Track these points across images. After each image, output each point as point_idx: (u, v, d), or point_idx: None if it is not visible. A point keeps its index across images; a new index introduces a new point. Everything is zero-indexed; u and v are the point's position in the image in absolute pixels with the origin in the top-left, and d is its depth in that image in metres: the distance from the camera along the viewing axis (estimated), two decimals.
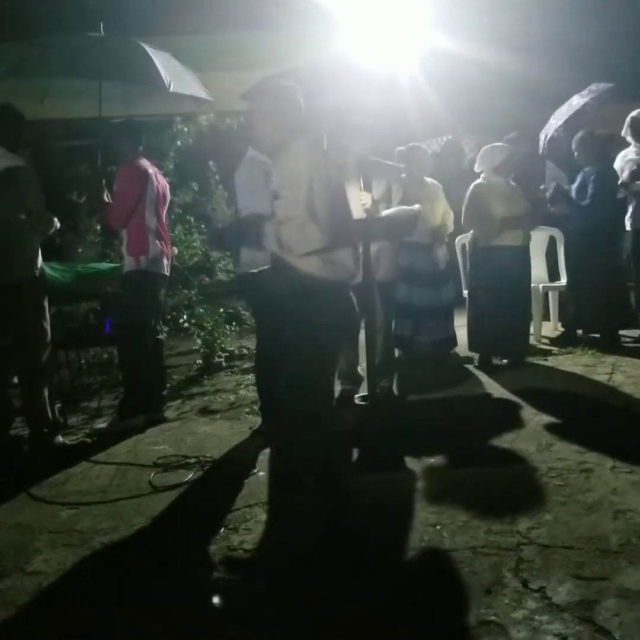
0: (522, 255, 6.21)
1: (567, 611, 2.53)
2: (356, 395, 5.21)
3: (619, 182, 6.52)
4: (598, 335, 6.79)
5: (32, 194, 4.50)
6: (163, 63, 4.89)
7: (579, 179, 6.70)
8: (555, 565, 2.85)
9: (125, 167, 4.98)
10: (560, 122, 7.61)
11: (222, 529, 3.39)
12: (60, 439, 4.76)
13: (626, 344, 6.71)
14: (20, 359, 4.64)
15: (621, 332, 6.84)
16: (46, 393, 4.64)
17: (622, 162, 6.66)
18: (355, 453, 4.36)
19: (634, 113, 6.58)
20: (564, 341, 6.87)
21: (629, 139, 6.66)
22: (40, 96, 5.39)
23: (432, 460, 4.09)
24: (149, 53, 4.87)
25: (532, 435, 4.38)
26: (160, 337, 5.26)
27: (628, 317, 6.80)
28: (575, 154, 6.71)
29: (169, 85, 4.81)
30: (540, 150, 7.80)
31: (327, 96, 6.10)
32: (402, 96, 8.48)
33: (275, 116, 3.37)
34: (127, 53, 4.96)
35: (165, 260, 5.09)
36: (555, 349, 6.64)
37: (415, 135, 7.80)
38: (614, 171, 6.68)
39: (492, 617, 2.54)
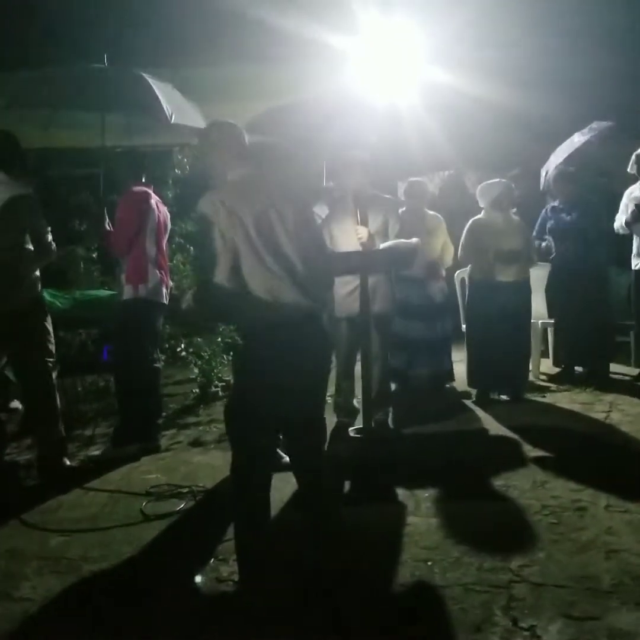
0: (520, 291, 6.22)
1: None
2: (351, 428, 5.19)
3: (624, 222, 6.55)
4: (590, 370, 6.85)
5: (35, 222, 4.54)
6: (165, 94, 4.95)
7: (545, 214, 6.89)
8: (546, 604, 2.83)
9: (127, 195, 5.02)
10: (560, 159, 7.67)
11: (212, 560, 3.36)
12: (67, 461, 4.76)
13: (624, 381, 6.71)
14: (28, 381, 4.64)
15: (619, 370, 6.86)
16: (54, 415, 4.65)
17: (627, 199, 6.70)
18: (348, 485, 4.34)
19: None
20: (560, 378, 6.87)
21: (635, 174, 6.71)
22: (44, 125, 5.44)
23: (426, 494, 4.07)
24: (151, 84, 4.93)
25: (527, 472, 4.36)
26: (157, 365, 5.25)
27: (610, 353, 6.91)
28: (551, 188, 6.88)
29: (171, 117, 4.86)
30: (542, 187, 7.86)
31: (328, 129, 6.18)
32: (404, 130, 8.57)
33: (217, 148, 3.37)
34: (129, 84, 5.02)
35: (164, 289, 5.11)
36: (553, 386, 6.64)
37: (417, 169, 7.87)
38: (598, 206, 6.80)
39: None
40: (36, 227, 4.54)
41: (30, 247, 4.51)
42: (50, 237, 4.62)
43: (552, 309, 7.08)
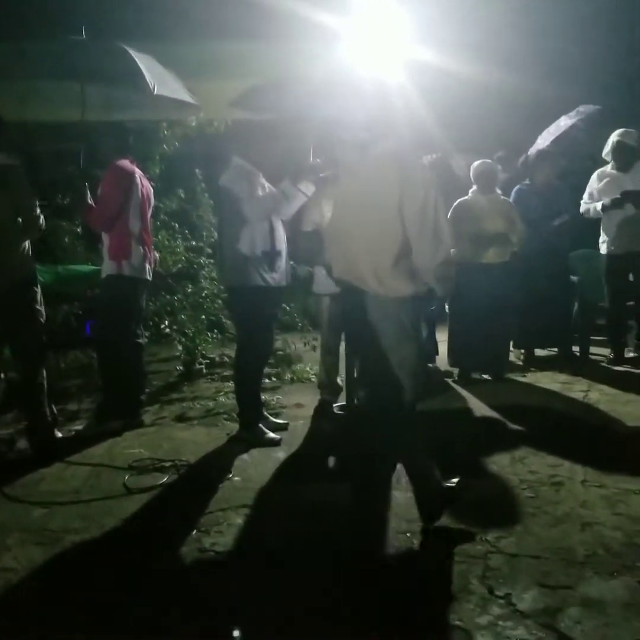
0: (502, 273, 6.26)
1: (531, 618, 2.56)
2: (335, 405, 5.23)
3: (600, 206, 6.59)
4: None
5: (23, 195, 4.52)
6: (146, 66, 4.88)
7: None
8: (521, 574, 2.88)
9: (110, 170, 4.97)
10: (546, 143, 7.70)
11: (194, 531, 3.39)
12: (58, 433, 4.80)
13: (602, 363, 6.79)
14: (19, 356, 4.65)
15: (596, 350, 6.97)
16: (45, 389, 4.67)
17: (597, 183, 6.74)
18: (331, 461, 4.38)
19: (616, 136, 6.66)
20: (526, 361, 6.95)
21: (609, 159, 6.75)
22: (21, 98, 5.36)
23: None
24: (133, 56, 4.87)
25: (506, 449, 4.41)
26: (140, 341, 5.26)
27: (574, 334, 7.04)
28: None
29: (153, 88, 4.80)
30: (519, 165, 7.89)
31: (316, 108, 6.15)
32: (394, 111, 8.54)
33: None
34: (109, 55, 4.93)
35: (147, 266, 5.09)
36: (533, 366, 6.70)
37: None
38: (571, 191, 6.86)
39: (457, 622, 2.57)
40: (24, 199, 4.52)
41: (19, 219, 4.51)
42: (38, 211, 4.60)
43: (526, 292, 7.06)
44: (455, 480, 3.49)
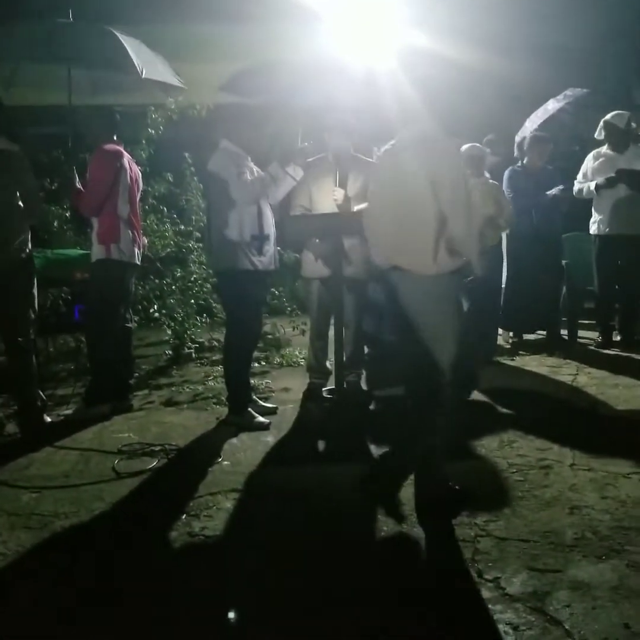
0: (490, 257, 6.24)
1: (520, 601, 2.57)
2: (324, 389, 5.24)
3: (594, 186, 6.59)
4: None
5: (27, 179, 4.49)
6: (134, 49, 4.84)
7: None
8: (510, 557, 2.89)
9: (98, 153, 4.93)
10: (535, 126, 7.68)
11: (184, 516, 3.39)
12: (47, 418, 4.80)
13: (590, 347, 6.82)
14: (9, 339, 4.63)
15: (584, 334, 7.01)
16: (35, 374, 4.69)
17: (592, 162, 6.74)
18: (320, 445, 4.39)
19: (607, 118, 6.67)
20: (514, 345, 6.97)
21: (602, 140, 6.76)
22: (6, 81, 5.31)
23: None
24: (120, 39, 4.83)
25: (495, 432, 4.43)
26: (129, 325, 5.24)
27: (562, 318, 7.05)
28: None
29: (141, 72, 4.77)
30: (515, 154, 7.87)
31: (304, 91, 6.12)
32: (384, 95, 8.49)
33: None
34: (97, 39, 4.89)
35: (136, 250, 5.06)
36: (522, 350, 6.73)
37: (393, 135, 7.82)
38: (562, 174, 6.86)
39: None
40: (27, 183, 4.50)
41: (20, 204, 4.49)
42: (39, 196, 4.59)
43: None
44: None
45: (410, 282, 3.28)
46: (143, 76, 4.76)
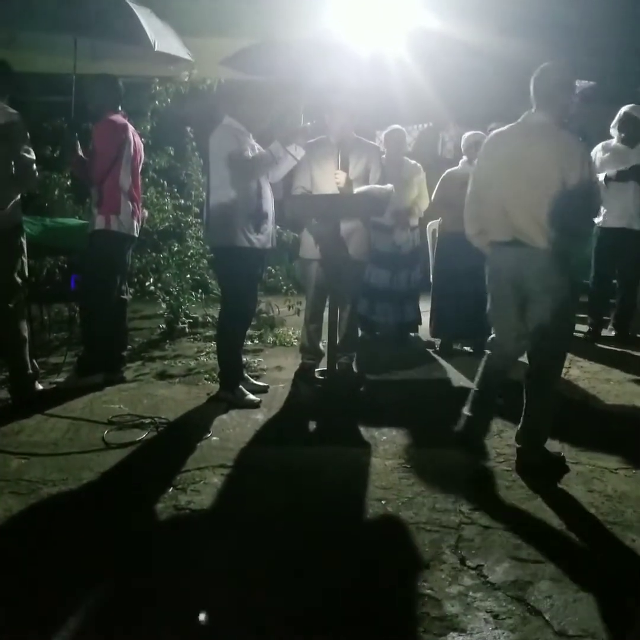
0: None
1: (501, 590, 2.60)
2: (316, 369, 5.24)
3: (604, 177, 6.56)
4: None
5: (22, 148, 4.46)
6: (146, 19, 4.79)
7: None
8: (494, 546, 2.91)
9: (104, 123, 4.89)
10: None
11: (171, 489, 3.41)
12: (39, 385, 4.80)
13: (584, 340, 6.84)
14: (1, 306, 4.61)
15: (578, 327, 7.01)
16: (25, 340, 4.66)
17: (602, 153, 6.70)
18: (310, 425, 4.40)
19: (627, 108, 6.61)
20: None
21: (614, 132, 6.71)
22: (7, 45, 5.24)
23: (385, 437, 4.15)
24: (133, 9, 4.78)
25: None
26: (124, 297, 5.24)
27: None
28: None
29: (154, 44, 4.72)
30: None
31: (311, 72, 6.08)
32: (390, 77, 8.43)
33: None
34: (109, 8, 4.84)
35: (135, 222, 5.04)
36: None
37: (401, 118, 7.79)
38: None
39: (428, 591, 2.59)
40: (22, 152, 4.46)
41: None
42: (34, 166, 4.55)
43: None
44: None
45: (534, 255, 3.54)
46: (156, 49, 4.71)
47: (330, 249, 4.71)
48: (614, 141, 6.69)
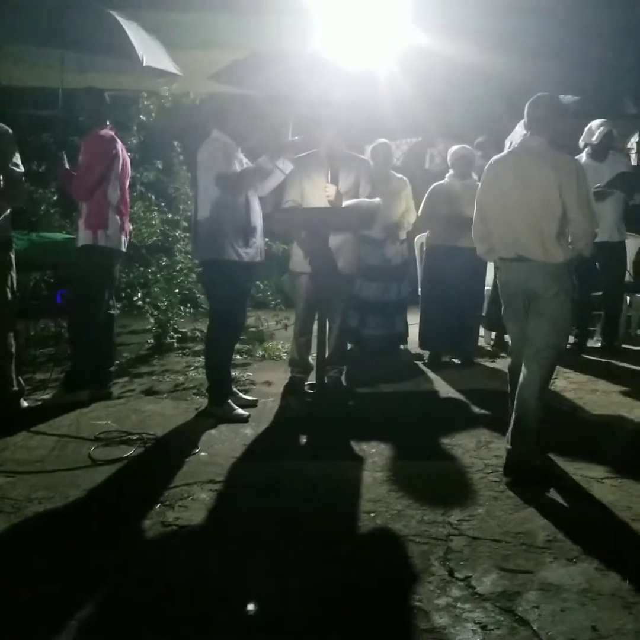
0: (473, 258, 6.25)
1: (489, 601, 2.59)
2: (305, 383, 5.24)
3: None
4: None
5: (12, 162, 4.46)
6: (135, 34, 4.80)
7: None
8: (482, 557, 2.91)
9: (93, 138, 4.89)
10: (525, 131, 7.69)
11: (158, 505, 3.39)
12: (24, 402, 4.78)
13: (573, 352, 6.84)
14: None
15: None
16: (11, 355, 4.64)
17: None
18: (299, 439, 4.40)
19: (604, 126, 6.64)
20: (496, 346, 7.01)
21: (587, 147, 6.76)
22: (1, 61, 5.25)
23: (373, 450, 4.14)
24: (122, 24, 4.79)
25: (473, 432, 4.46)
26: (111, 312, 5.23)
27: None
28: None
29: (142, 59, 4.73)
30: None
31: (300, 87, 6.12)
32: (380, 92, 8.49)
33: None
34: (98, 23, 4.85)
35: (123, 237, 5.05)
36: (503, 352, 6.75)
37: (391, 133, 7.84)
38: None
39: (417, 603, 2.59)
40: (11, 166, 4.46)
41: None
42: (23, 179, 4.55)
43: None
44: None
45: (539, 269, 3.78)
46: (144, 64, 4.72)
47: (320, 262, 4.72)
48: (583, 157, 6.72)
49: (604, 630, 2.41)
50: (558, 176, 3.74)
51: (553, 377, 5.61)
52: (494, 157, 4.14)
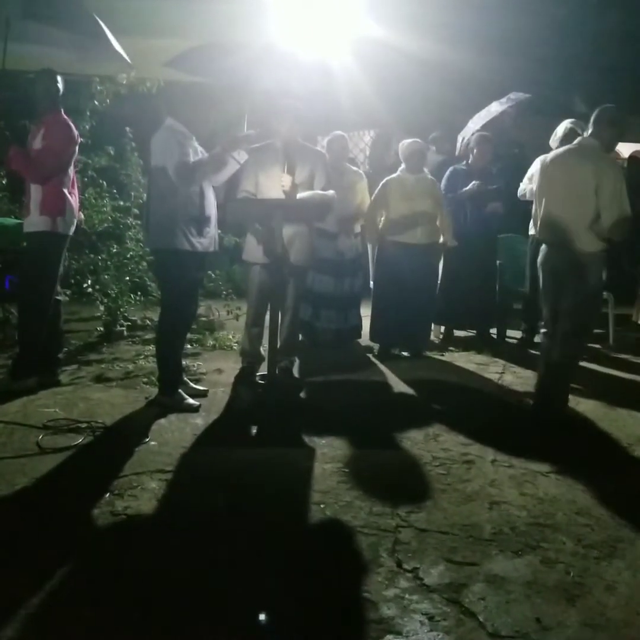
0: (426, 253, 6.34)
1: (437, 592, 2.64)
2: (257, 374, 5.24)
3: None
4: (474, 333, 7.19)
5: None
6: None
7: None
8: (429, 549, 2.96)
9: (59, 123, 4.78)
10: (477, 127, 7.79)
11: (108, 494, 3.36)
12: None
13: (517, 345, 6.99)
14: None
15: (509, 333, 7.23)
16: None
17: (539, 165, 6.84)
18: (249, 429, 4.40)
19: (569, 123, 6.73)
20: (444, 340, 7.10)
21: (555, 145, 6.83)
22: None
23: (324, 441, 4.17)
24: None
25: (421, 425, 4.51)
26: (59, 298, 5.15)
27: (499, 318, 7.23)
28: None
29: (113, 43, 4.64)
30: (457, 152, 7.98)
31: (256, 77, 6.09)
32: (335, 84, 8.49)
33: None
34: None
35: (75, 221, 4.97)
36: (451, 346, 6.85)
37: (345, 124, 7.84)
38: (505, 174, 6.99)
39: (365, 594, 2.62)
40: None
41: None
42: None
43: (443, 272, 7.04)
44: None
45: (575, 256, 4.43)
46: (116, 49, 4.63)
47: (272, 253, 4.72)
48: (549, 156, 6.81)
49: (548, 622, 2.48)
50: (596, 177, 4.29)
51: (498, 373, 5.77)
52: (552, 152, 4.86)
